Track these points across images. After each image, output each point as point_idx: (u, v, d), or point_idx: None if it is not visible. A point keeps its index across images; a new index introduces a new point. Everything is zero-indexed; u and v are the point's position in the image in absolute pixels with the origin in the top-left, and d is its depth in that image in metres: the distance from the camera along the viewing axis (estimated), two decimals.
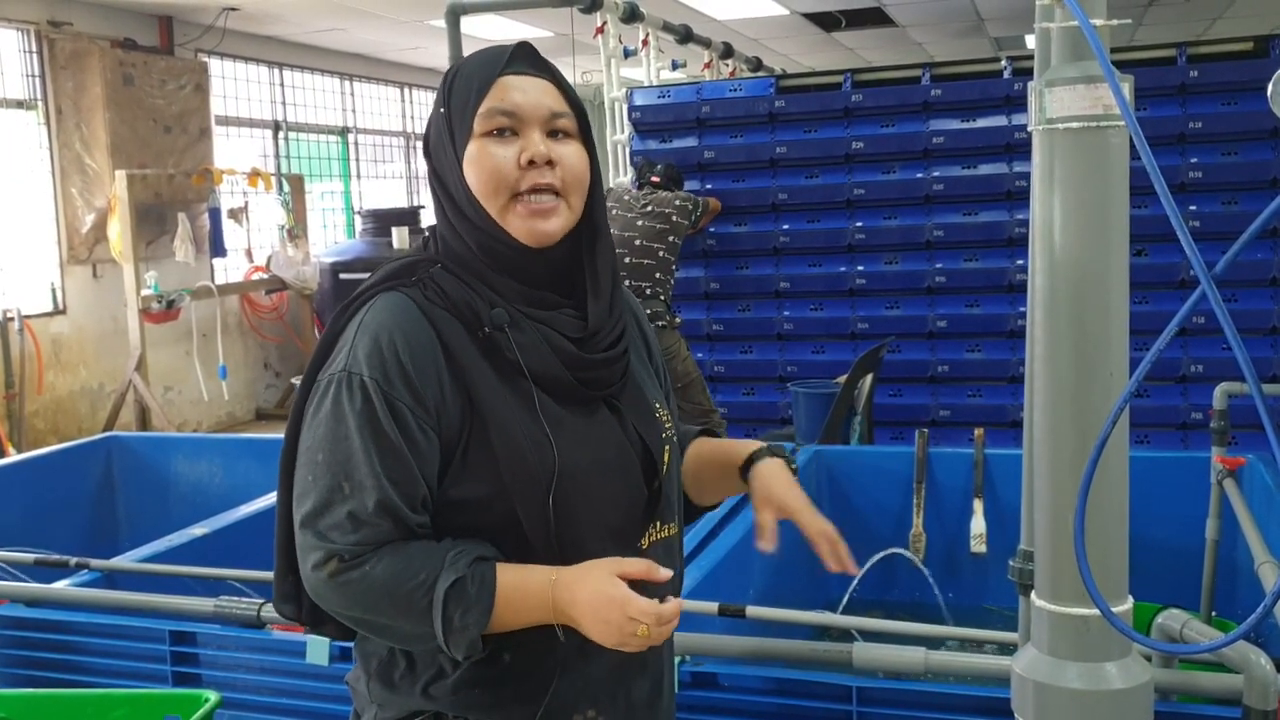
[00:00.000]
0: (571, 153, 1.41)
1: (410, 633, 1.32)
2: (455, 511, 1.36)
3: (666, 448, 1.49)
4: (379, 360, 1.33)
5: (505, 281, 1.40)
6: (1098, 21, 1.46)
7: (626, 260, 5.57)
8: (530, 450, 1.34)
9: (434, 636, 1.30)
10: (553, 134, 1.41)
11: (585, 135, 1.45)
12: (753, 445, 1.57)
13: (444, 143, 1.42)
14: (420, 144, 1.49)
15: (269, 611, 2.37)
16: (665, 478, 1.47)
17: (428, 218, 6.37)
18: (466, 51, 4.80)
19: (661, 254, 5.58)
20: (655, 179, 5.89)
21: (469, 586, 1.29)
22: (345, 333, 1.38)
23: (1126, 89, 1.42)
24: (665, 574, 1.33)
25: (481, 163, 1.38)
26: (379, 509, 1.30)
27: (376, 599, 1.30)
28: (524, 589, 1.31)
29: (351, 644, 1.49)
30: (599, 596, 1.29)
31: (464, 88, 1.41)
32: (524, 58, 1.43)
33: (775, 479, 1.52)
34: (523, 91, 1.39)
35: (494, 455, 1.34)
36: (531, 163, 1.37)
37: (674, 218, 5.65)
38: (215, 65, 9.10)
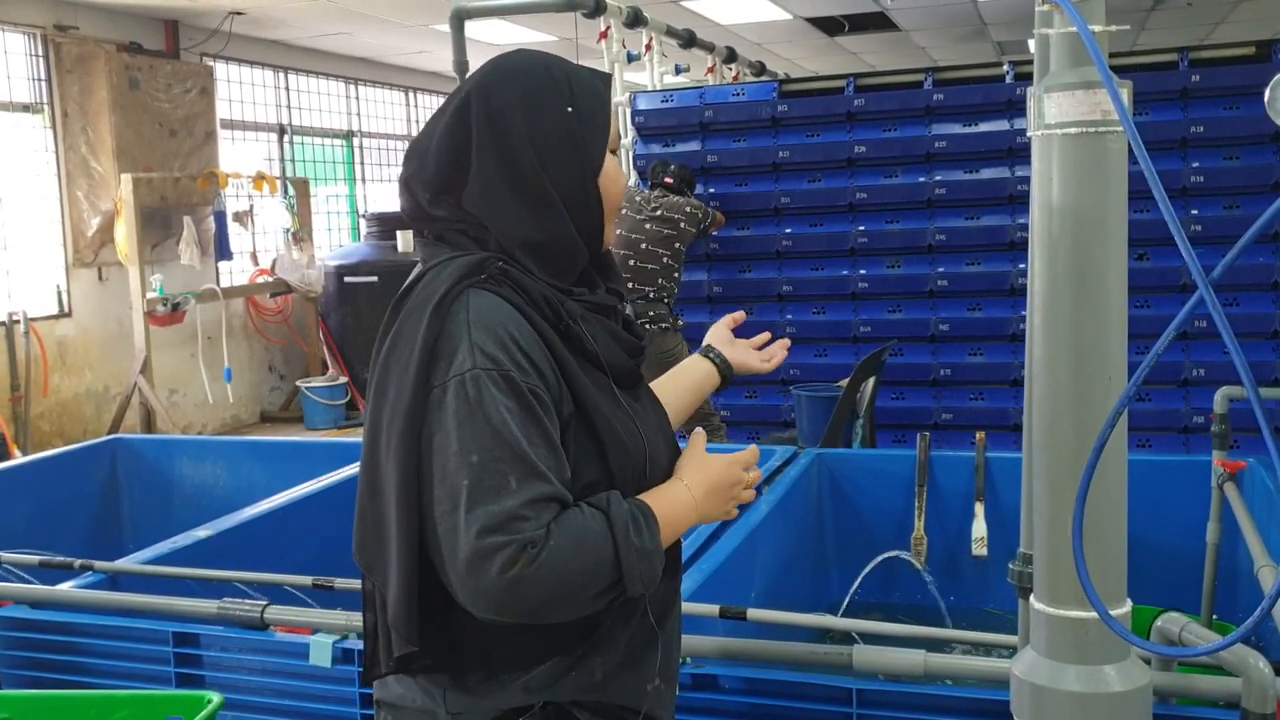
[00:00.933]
0: None
1: (599, 589, 1.33)
2: (586, 489, 1.41)
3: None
4: (506, 353, 1.33)
5: (558, 277, 1.46)
6: (1096, 27, 1.46)
7: (630, 263, 5.58)
8: (628, 439, 1.43)
9: (619, 580, 1.33)
10: None
11: None
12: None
13: (569, 143, 1.45)
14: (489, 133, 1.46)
15: (272, 613, 2.38)
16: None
17: None
18: (472, 56, 4.80)
19: (666, 259, 5.60)
20: (669, 180, 5.89)
21: (640, 517, 1.37)
22: (451, 332, 1.34)
23: (1125, 94, 1.43)
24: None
25: (617, 179, 1.52)
26: (549, 495, 1.30)
27: (565, 568, 1.29)
28: (672, 504, 1.45)
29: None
30: (721, 471, 1.51)
31: (592, 102, 1.48)
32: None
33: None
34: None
35: (597, 443, 1.40)
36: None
37: (682, 224, 5.68)
38: (220, 69, 9.12)
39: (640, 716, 1.49)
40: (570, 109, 1.45)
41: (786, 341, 1.98)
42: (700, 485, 1.49)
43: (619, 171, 1.52)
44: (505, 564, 1.25)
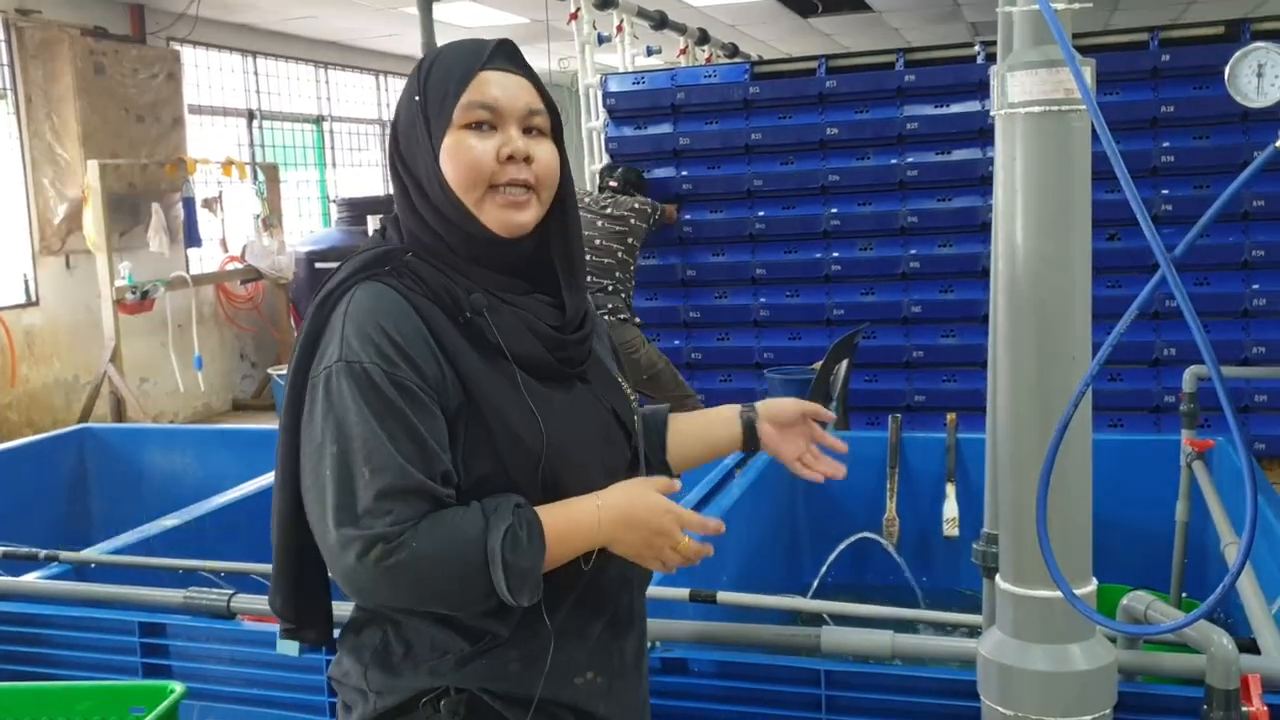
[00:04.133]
0: (545, 151, 1.45)
1: (468, 596, 1.31)
2: (480, 484, 1.39)
3: (637, 418, 1.57)
4: (373, 344, 1.33)
5: (478, 269, 1.43)
6: (1059, 5, 1.45)
7: (589, 258, 5.66)
8: (522, 428, 1.38)
9: (493, 591, 1.31)
10: (527, 131, 1.44)
11: (557, 134, 1.49)
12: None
13: (417, 131, 1.43)
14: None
15: (239, 602, 2.36)
16: (638, 442, 1.56)
17: None
18: (440, 38, 4.77)
19: (620, 254, 5.75)
20: (613, 183, 5.98)
21: (520, 531, 1.31)
22: (330, 325, 1.37)
23: (1087, 73, 1.43)
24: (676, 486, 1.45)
25: (460, 155, 1.40)
26: (405, 489, 1.29)
27: (430, 571, 1.29)
28: (571, 520, 1.36)
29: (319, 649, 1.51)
30: (650, 508, 1.38)
31: (442, 79, 1.43)
32: (505, 54, 1.46)
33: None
34: (502, 87, 1.43)
35: (489, 434, 1.37)
36: (510, 158, 1.41)
37: (633, 220, 5.82)
38: (188, 53, 9.02)
39: (571, 711, 1.45)
40: (417, 97, 1.44)
41: (841, 469, 1.71)
42: (616, 511, 1.38)
43: (462, 149, 1.40)
44: (359, 554, 1.27)
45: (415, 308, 1.37)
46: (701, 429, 1.72)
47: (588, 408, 1.49)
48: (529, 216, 1.43)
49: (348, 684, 1.48)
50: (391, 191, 1.49)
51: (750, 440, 1.68)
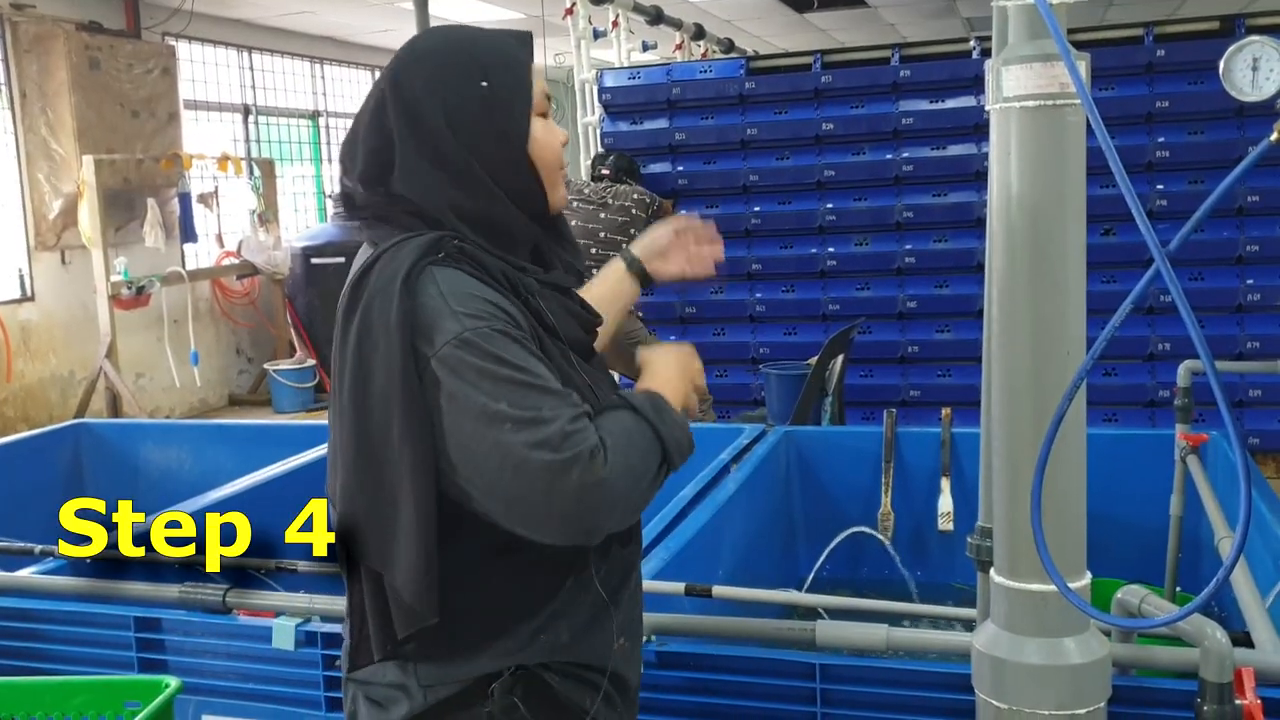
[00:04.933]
0: None
1: (653, 473, 1.39)
2: None
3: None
4: (487, 313, 1.35)
5: (514, 252, 1.47)
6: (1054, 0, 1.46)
7: (593, 252, 5.65)
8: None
9: (665, 461, 1.40)
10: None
11: None
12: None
13: (487, 116, 1.44)
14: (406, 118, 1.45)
15: (234, 597, 2.37)
16: None
17: None
18: None
19: (624, 246, 5.69)
20: (606, 171, 5.96)
21: (656, 401, 1.44)
22: (427, 306, 1.34)
23: (1082, 67, 1.43)
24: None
25: (549, 140, 1.49)
26: (581, 410, 1.34)
27: (628, 462, 1.35)
28: (662, 386, 1.49)
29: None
30: (680, 354, 1.59)
31: (509, 67, 1.47)
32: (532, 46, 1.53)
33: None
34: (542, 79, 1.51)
35: None
36: (564, 144, 1.54)
37: (634, 211, 5.80)
38: (183, 49, 9.00)
39: (606, 675, 1.50)
40: (485, 83, 1.44)
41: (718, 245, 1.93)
42: (671, 367, 1.55)
43: (550, 134, 1.50)
44: (583, 473, 1.29)
45: (490, 289, 1.40)
46: (612, 301, 1.83)
47: (605, 381, 1.57)
48: (565, 194, 1.56)
49: (378, 683, 1.45)
50: (404, 176, 1.44)
51: (647, 283, 1.88)
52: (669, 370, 1.54)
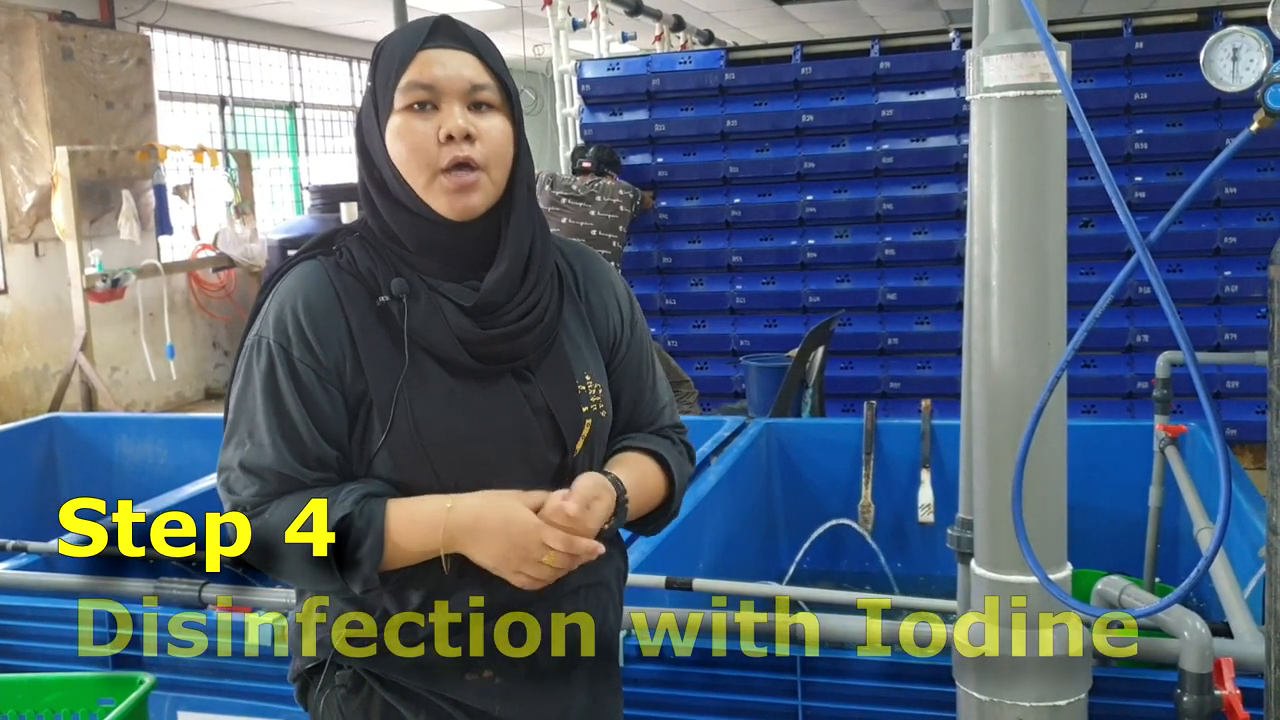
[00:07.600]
0: (493, 125, 1.39)
1: (309, 573, 1.35)
2: (375, 472, 1.40)
3: (588, 421, 1.46)
4: (283, 324, 1.39)
5: (425, 255, 1.41)
6: None
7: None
8: (410, 420, 1.37)
9: (333, 575, 1.33)
10: (475, 106, 1.39)
11: (511, 107, 1.43)
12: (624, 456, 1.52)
13: (370, 118, 1.42)
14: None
15: (210, 591, 2.35)
16: (584, 450, 1.45)
17: None
18: None
19: (614, 243, 5.72)
20: (586, 164, 5.94)
21: (356, 521, 1.32)
22: (265, 302, 1.44)
23: (1063, 57, 1.42)
24: (573, 509, 1.33)
25: (403, 138, 1.37)
26: (272, 466, 1.36)
27: (274, 543, 1.33)
28: (415, 518, 1.34)
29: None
30: (507, 518, 1.32)
31: (387, 62, 1.41)
32: (444, 31, 1.41)
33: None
34: (441, 65, 1.38)
35: (380, 422, 1.38)
36: (450, 137, 1.36)
37: (621, 207, 5.79)
38: (158, 39, 8.91)
39: (463, 709, 1.42)
40: (369, 83, 1.44)
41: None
42: (465, 516, 1.33)
43: (409, 130, 1.36)
44: (225, 506, 1.39)
45: (340, 289, 1.40)
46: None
47: (509, 405, 1.41)
48: (478, 199, 1.38)
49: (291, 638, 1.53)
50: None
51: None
52: (470, 518, 1.33)
